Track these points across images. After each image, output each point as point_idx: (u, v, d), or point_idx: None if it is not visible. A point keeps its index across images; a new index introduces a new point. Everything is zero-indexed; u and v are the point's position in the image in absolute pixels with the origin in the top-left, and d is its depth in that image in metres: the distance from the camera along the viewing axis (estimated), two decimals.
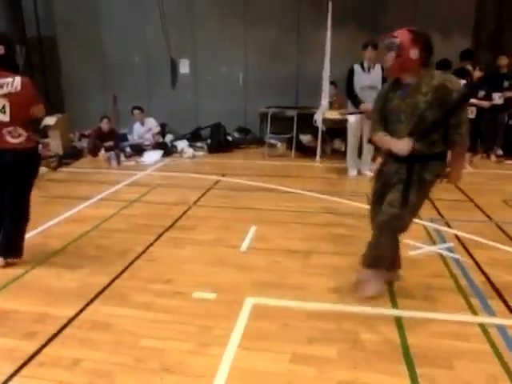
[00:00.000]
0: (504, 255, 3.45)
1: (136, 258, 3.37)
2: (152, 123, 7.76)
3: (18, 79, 3.04)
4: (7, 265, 3.22)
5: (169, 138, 8.14)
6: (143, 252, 3.49)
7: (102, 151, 7.23)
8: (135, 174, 6.12)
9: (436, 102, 2.41)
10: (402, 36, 2.49)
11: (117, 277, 3.07)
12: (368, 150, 6.14)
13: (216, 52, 8.27)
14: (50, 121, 7.46)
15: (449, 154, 2.65)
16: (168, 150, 7.52)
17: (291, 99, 8.28)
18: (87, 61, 8.65)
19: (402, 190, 2.55)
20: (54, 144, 7.37)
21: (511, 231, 3.89)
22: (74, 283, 2.99)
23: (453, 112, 2.41)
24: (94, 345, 2.33)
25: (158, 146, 7.55)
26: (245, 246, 3.61)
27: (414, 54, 2.46)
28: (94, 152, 7.33)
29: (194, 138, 8.29)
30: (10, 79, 3.02)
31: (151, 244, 3.63)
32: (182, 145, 7.77)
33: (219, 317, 2.56)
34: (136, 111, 7.60)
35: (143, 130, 7.68)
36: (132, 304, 2.72)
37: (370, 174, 6.11)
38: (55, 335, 2.41)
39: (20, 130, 3.08)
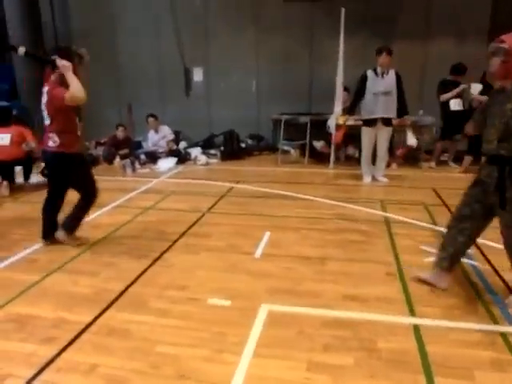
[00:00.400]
0: None
1: (151, 265, 3.39)
2: (166, 131, 7.84)
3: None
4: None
5: (183, 145, 8.23)
6: (158, 258, 3.51)
7: (118, 159, 7.34)
8: (150, 182, 6.19)
9: None
10: (510, 41, 2.45)
11: (132, 283, 3.09)
12: (382, 156, 6.11)
13: (229, 60, 8.36)
14: None
15: None
16: (182, 158, 7.59)
17: (304, 106, 8.32)
18: (103, 72, 8.81)
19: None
20: None
21: None
22: (90, 289, 3.02)
23: None
24: (111, 351, 2.34)
25: (172, 153, 7.63)
26: (259, 252, 3.60)
27: None
28: (109, 160, 7.45)
29: (207, 145, 8.36)
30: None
31: (166, 251, 3.66)
32: (195, 152, 7.84)
33: (234, 324, 2.56)
34: (151, 119, 7.69)
35: (157, 137, 7.77)
36: (148, 310, 2.73)
37: (384, 180, 6.08)
38: (73, 341, 2.43)
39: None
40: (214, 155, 7.98)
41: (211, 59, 8.47)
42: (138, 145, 8.03)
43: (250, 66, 8.43)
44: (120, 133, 7.47)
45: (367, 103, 5.79)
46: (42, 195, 3.86)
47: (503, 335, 2.43)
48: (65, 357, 2.30)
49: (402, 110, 5.89)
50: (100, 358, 2.28)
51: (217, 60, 8.44)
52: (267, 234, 3.96)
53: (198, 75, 8.73)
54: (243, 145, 8.22)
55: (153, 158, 7.49)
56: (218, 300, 2.83)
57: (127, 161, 7.01)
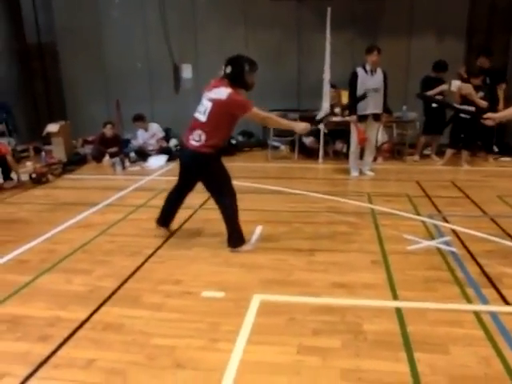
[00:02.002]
0: (497, 247, 3.59)
1: (145, 261, 3.49)
2: (156, 129, 7.84)
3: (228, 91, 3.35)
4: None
5: (173, 142, 8.27)
6: (152, 255, 3.61)
7: (107, 157, 7.34)
8: (140, 180, 6.26)
9: None
10: None
11: (126, 280, 3.16)
12: (371, 150, 6.28)
13: (218, 57, 8.34)
14: (52, 128, 7.62)
15: None
16: (172, 155, 7.64)
17: (293, 102, 8.44)
18: (89, 67, 8.83)
19: None
20: (57, 151, 7.51)
21: (505, 224, 4.02)
22: (84, 287, 3.07)
23: None
24: (107, 345, 2.40)
25: (162, 150, 7.65)
26: (251, 246, 3.73)
27: None
28: (98, 158, 7.45)
29: None
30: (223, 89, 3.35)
31: (159, 247, 3.76)
32: None
33: (228, 314, 2.68)
34: (137, 123, 7.64)
35: (147, 135, 7.77)
36: (143, 305, 2.82)
37: (370, 173, 6.26)
38: (68, 338, 2.45)
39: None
40: None
41: (200, 56, 8.52)
42: (128, 143, 8.05)
43: None
44: (108, 131, 7.44)
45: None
46: (26, 196, 3.86)
47: (476, 313, 2.62)
48: (61, 354, 2.32)
49: (383, 107, 6.08)
50: (97, 353, 2.33)
51: (206, 57, 8.47)
52: (259, 228, 4.09)
53: (187, 72, 8.78)
54: (234, 141, 8.32)
55: (143, 155, 7.51)
56: (212, 292, 2.94)
57: (117, 159, 7.01)
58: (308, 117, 7.58)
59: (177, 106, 8.63)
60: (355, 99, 5.92)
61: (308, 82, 8.12)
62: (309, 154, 7.57)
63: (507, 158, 7.06)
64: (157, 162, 7.28)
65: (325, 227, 4.15)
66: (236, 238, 3.62)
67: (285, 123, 3.70)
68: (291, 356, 2.29)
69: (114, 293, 2.99)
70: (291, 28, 8.23)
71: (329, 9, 6.82)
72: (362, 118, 5.98)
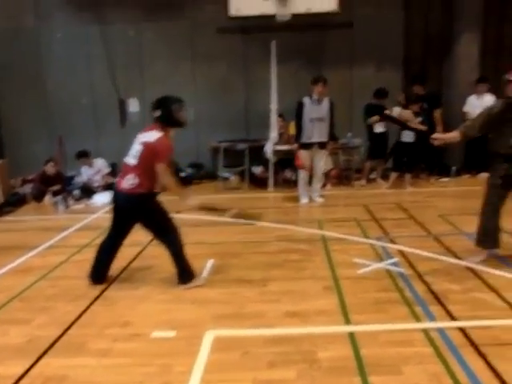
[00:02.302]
0: (442, 265, 3.73)
1: (90, 304, 3.31)
2: (101, 164, 7.63)
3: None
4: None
5: None
6: (98, 297, 3.43)
7: (48, 196, 7.02)
8: (85, 218, 6.01)
9: None
10: None
11: (70, 326, 2.98)
12: (319, 177, 6.44)
13: (165, 89, 8.30)
14: None
15: None
16: None
17: (242, 133, 8.55)
18: (30, 104, 8.54)
19: None
20: None
21: (447, 242, 4.20)
22: (21, 338, 2.86)
23: None
24: None
25: (108, 187, 7.39)
26: (202, 280, 3.64)
27: None
28: (38, 197, 7.10)
29: None
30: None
31: (106, 288, 3.59)
32: None
33: (180, 354, 2.58)
34: (81, 159, 7.44)
35: (92, 171, 7.53)
36: (88, 352, 2.66)
37: (320, 200, 6.39)
38: None
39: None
40: None
41: (147, 89, 8.45)
42: (71, 180, 7.75)
43: (187, 96, 8.47)
44: (50, 168, 7.16)
45: (305, 128, 6.13)
46: None
47: (425, 331, 2.68)
48: None
49: (329, 135, 6.29)
50: None
51: (153, 90, 8.40)
52: (210, 262, 4.02)
53: (133, 106, 8.70)
54: (183, 174, 8.26)
55: (88, 192, 7.27)
56: (163, 332, 2.83)
57: (59, 198, 6.72)
58: (257, 146, 7.74)
59: (123, 140, 8.44)
60: (300, 128, 6.10)
61: (256, 113, 8.28)
62: (259, 183, 7.64)
63: (446, 179, 7.46)
64: (102, 198, 6.96)
65: (276, 256, 4.15)
66: (185, 274, 3.54)
67: (183, 194, 3.61)
68: None
69: (55, 342, 2.79)
70: (238, 61, 8.43)
71: (273, 42, 7.07)
72: (308, 146, 6.14)
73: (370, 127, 7.27)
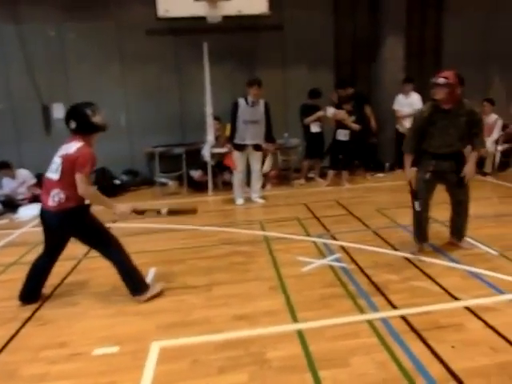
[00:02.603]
0: (381, 257, 3.89)
1: (22, 327, 3.05)
2: (25, 175, 7.10)
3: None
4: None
5: None
6: (29, 318, 3.17)
7: None
8: (10, 234, 5.55)
9: (469, 120, 3.62)
10: (452, 78, 3.55)
11: None
12: (256, 178, 6.47)
13: (93, 93, 8.01)
14: None
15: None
16: None
17: (178, 136, 8.37)
18: None
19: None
20: None
21: (385, 235, 4.39)
22: None
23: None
24: None
25: (35, 199, 6.89)
26: (159, 287, 3.51)
27: (458, 90, 3.60)
28: None
29: None
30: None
31: (39, 307, 3.33)
32: None
33: (125, 369, 2.47)
34: (3, 171, 6.88)
35: (15, 184, 6.98)
36: (21, 379, 2.45)
37: (260, 201, 6.42)
38: None
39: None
40: None
41: (73, 94, 7.99)
42: None
43: (117, 100, 8.23)
44: None
45: (239, 130, 6.13)
46: None
47: (369, 322, 2.77)
48: None
49: (268, 137, 6.34)
50: None
51: (80, 95, 7.98)
52: (152, 271, 3.89)
53: (58, 112, 8.18)
54: (118, 181, 7.96)
55: (12, 206, 6.72)
56: (105, 348, 2.69)
57: None
58: (194, 150, 7.63)
59: (49, 148, 7.92)
60: (234, 128, 6.12)
61: (191, 116, 8.15)
62: (198, 187, 7.54)
63: (381, 174, 7.83)
64: (29, 211, 6.43)
65: (220, 260, 4.11)
66: (139, 285, 3.36)
67: (107, 203, 3.41)
68: None
69: None
70: (170, 62, 8.23)
71: (205, 43, 6.99)
72: (241, 148, 6.19)
73: (306, 127, 7.43)
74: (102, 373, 2.46)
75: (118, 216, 3.49)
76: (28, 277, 3.40)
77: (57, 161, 3.22)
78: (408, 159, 3.87)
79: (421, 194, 3.78)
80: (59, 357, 2.66)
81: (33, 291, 3.42)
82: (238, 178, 6.39)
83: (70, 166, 3.14)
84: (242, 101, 6.11)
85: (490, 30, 8.81)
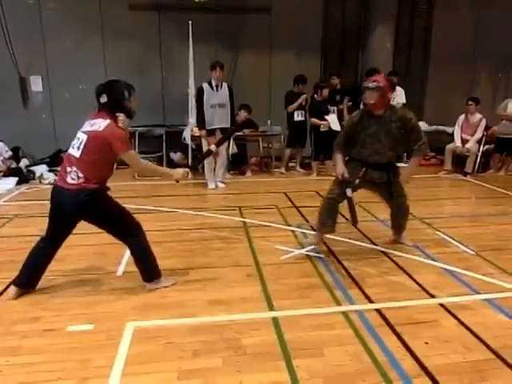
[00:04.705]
0: (358, 249, 3.96)
1: None
2: (1, 148, 6.98)
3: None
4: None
5: (24, 162, 7.41)
6: (2, 292, 3.12)
7: None
8: None
9: (401, 126, 3.49)
10: (383, 82, 3.47)
11: None
12: (221, 163, 6.48)
13: (73, 67, 7.79)
14: None
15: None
16: (24, 177, 6.84)
17: (158, 117, 8.25)
18: None
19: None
20: None
21: (363, 228, 4.43)
22: None
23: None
24: None
25: (10, 172, 6.80)
26: (121, 270, 3.50)
27: (390, 95, 3.55)
28: None
29: (54, 161, 7.67)
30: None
31: (10, 284, 3.20)
32: (40, 170, 7.14)
33: (99, 347, 2.45)
34: None
35: None
36: None
37: (222, 185, 6.47)
38: None
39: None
40: None
41: (51, 67, 7.79)
42: None
43: (97, 76, 7.99)
44: None
45: (207, 115, 6.14)
46: None
47: (344, 314, 2.82)
48: None
49: (231, 121, 6.36)
50: None
51: (58, 68, 7.78)
52: (128, 251, 3.84)
53: (36, 85, 7.96)
54: None
55: None
56: (79, 326, 2.67)
57: None
58: (175, 132, 7.52)
59: (27, 122, 7.75)
60: (202, 114, 6.13)
61: (173, 97, 8.01)
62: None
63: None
64: (4, 185, 6.36)
65: (198, 244, 4.09)
66: (153, 272, 3.22)
67: (163, 172, 3.37)
68: (171, 382, 2.19)
69: None
70: (153, 40, 8.03)
71: (190, 22, 6.85)
72: (210, 133, 6.20)
73: (289, 115, 7.36)
74: (76, 350, 2.44)
75: (179, 179, 3.30)
76: (28, 263, 3.12)
77: (81, 137, 2.95)
78: (339, 157, 3.71)
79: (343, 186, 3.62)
80: (32, 331, 2.63)
81: (32, 279, 3.16)
82: (207, 162, 6.37)
83: (97, 143, 2.89)
84: (206, 85, 6.14)
85: (480, 27, 8.84)
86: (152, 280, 3.21)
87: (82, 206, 2.94)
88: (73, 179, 2.92)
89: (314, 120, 7.04)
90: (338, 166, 3.69)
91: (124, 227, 3.13)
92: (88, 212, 3.00)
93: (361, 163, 3.63)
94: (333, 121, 6.97)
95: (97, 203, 2.98)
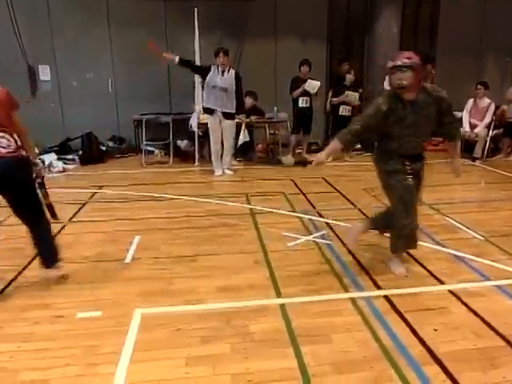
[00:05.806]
0: (366, 236, 3.88)
1: (6, 287, 3.03)
2: None
3: None
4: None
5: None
6: (14, 279, 3.16)
7: None
8: None
9: (437, 108, 2.91)
10: (415, 57, 2.82)
11: None
12: (228, 149, 6.45)
13: (80, 56, 7.81)
14: None
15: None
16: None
17: (165, 105, 8.24)
18: None
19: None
20: None
21: (371, 215, 4.38)
22: None
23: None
24: None
25: None
26: (129, 257, 3.51)
27: (422, 74, 2.86)
28: None
29: (62, 150, 7.72)
30: None
31: (24, 268, 3.30)
32: (49, 158, 7.18)
33: (107, 334, 2.47)
34: None
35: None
36: (5, 338, 2.45)
37: (229, 172, 6.42)
38: None
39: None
40: (72, 160, 7.44)
41: (59, 56, 7.80)
42: None
43: (104, 65, 8.02)
44: None
45: (205, 94, 6.23)
46: None
47: (352, 300, 2.81)
48: None
49: (238, 108, 6.34)
50: None
51: (66, 57, 7.80)
52: (137, 238, 3.86)
53: (44, 74, 7.98)
54: (104, 148, 7.82)
55: None
56: (88, 313, 2.69)
57: None
58: (181, 119, 7.49)
59: (35, 111, 7.68)
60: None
61: (179, 85, 7.96)
62: (184, 157, 7.46)
63: (368, 153, 7.78)
64: None
65: (205, 231, 4.09)
66: (56, 255, 3.13)
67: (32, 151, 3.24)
68: (180, 369, 2.19)
69: None
70: (159, 28, 7.98)
71: (195, 9, 6.79)
72: (210, 111, 6.25)
73: (294, 101, 7.29)
74: (84, 336, 2.46)
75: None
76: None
77: None
78: (335, 147, 3.04)
79: (404, 200, 3.04)
80: (43, 318, 2.65)
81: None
82: (214, 148, 6.39)
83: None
84: (214, 67, 6.16)
85: (487, 14, 8.73)
86: (55, 263, 3.12)
87: (21, 171, 2.94)
88: (2, 147, 2.88)
89: (296, 92, 7.15)
90: (324, 155, 3.00)
91: (39, 203, 3.06)
92: (23, 180, 2.96)
93: (405, 157, 2.99)
94: (309, 85, 7.06)
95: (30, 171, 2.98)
